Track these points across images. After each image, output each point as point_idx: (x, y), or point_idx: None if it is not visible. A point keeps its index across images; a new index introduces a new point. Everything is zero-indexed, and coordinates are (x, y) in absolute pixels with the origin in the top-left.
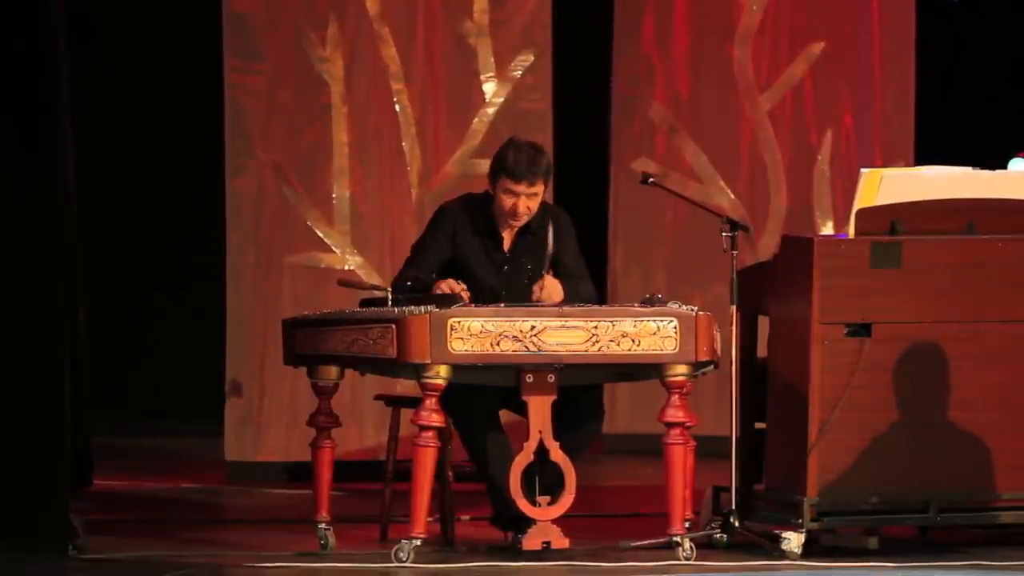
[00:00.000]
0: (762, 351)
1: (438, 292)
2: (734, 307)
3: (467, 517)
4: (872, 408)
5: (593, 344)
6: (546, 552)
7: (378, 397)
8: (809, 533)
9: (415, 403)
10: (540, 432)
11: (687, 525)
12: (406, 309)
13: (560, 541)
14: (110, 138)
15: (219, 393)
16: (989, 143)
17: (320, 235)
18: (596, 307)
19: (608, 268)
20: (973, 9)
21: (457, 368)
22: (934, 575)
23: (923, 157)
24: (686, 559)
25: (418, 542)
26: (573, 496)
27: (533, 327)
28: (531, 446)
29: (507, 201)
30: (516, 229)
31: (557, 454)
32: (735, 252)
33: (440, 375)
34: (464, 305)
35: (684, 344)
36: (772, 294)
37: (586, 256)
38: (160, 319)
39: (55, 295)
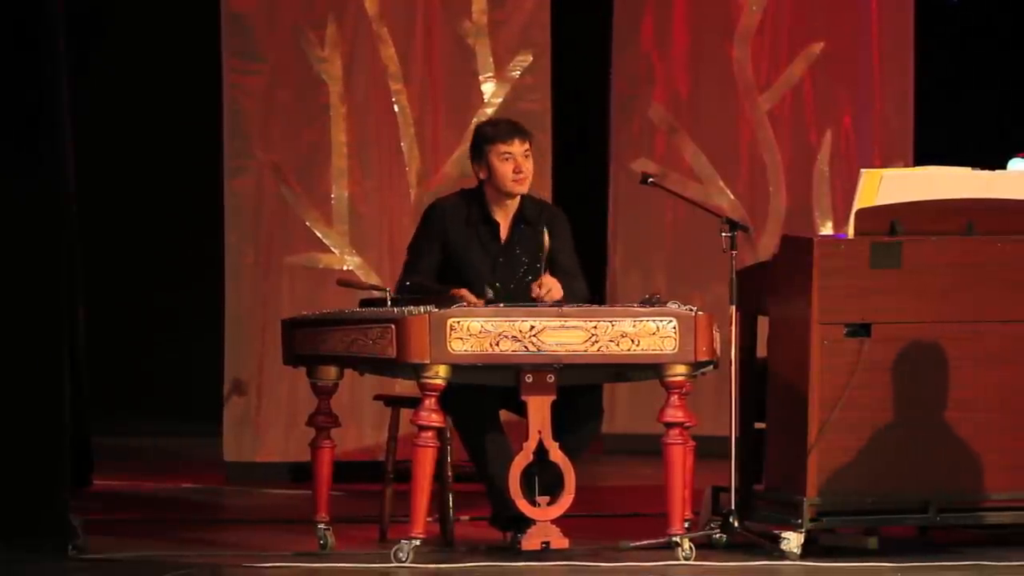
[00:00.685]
0: (762, 351)
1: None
2: (734, 307)
3: (467, 517)
4: (872, 408)
5: (592, 344)
6: (545, 552)
7: (377, 397)
8: (809, 533)
9: (414, 403)
10: (539, 432)
11: (686, 525)
12: (405, 309)
13: (559, 541)
14: (110, 138)
15: (218, 393)
16: (989, 143)
17: (319, 235)
18: (595, 307)
19: (608, 268)
20: (973, 9)
21: (456, 368)
22: (934, 575)
23: (923, 157)
24: (685, 559)
25: (417, 542)
26: (572, 496)
27: (532, 327)
28: (530, 446)
29: (506, 166)
30: (512, 219)
31: (556, 454)
32: (735, 252)
33: (439, 375)
34: (463, 303)
35: (683, 344)
36: (772, 294)
37: (585, 256)
38: (159, 319)
39: (55, 295)
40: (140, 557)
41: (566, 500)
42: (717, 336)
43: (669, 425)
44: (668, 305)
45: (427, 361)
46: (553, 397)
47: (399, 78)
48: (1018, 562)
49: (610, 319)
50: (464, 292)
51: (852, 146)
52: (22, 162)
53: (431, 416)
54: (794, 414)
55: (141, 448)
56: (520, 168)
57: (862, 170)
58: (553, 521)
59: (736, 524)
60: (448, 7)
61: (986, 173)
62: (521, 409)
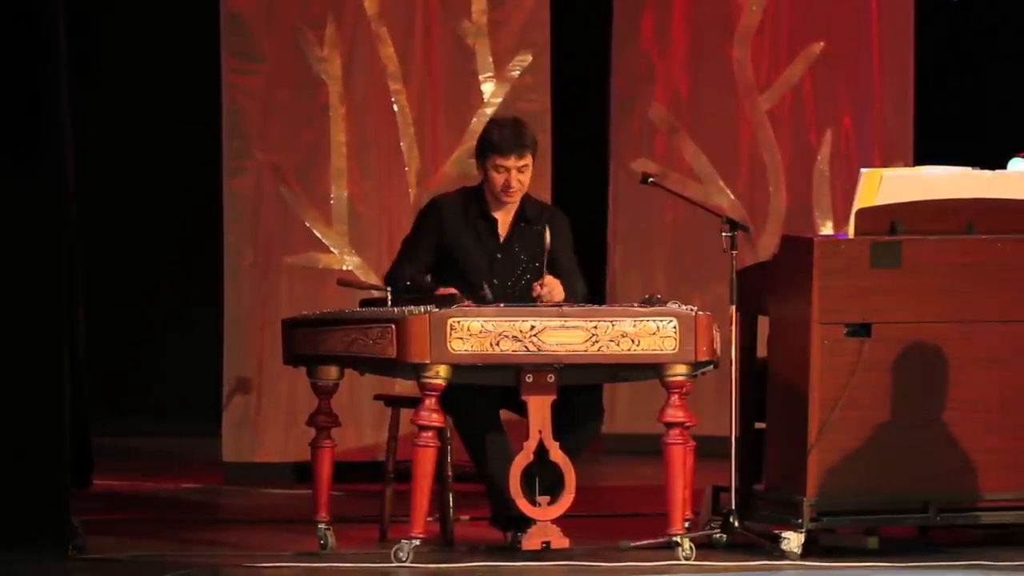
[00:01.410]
0: (762, 351)
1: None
2: (734, 307)
3: (467, 517)
4: (872, 408)
5: (593, 344)
6: (546, 552)
7: (377, 397)
8: (809, 533)
9: (414, 403)
10: (540, 432)
11: (687, 525)
12: (406, 309)
13: (560, 541)
14: (109, 138)
15: (218, 393)
16: (989, 143)
17: (318, 235)
18: (596, 307)
19: (608, 268)
20: (973, 9)
21: (457, 368)
22: (934, 575)
23: (923, 157)
24: (685, 559)
25: (417, 542)
26: (573, 496)
27: (533, 327)
28: (531, 446)
29: (499, 178)
30: (513, 217)
31: (557, 454)
32: (735, 252)
33: (440, 375)
34: (462, 302)
35: (684, 344)
36: (772, 294)
37: (585, 256)
38: (159, 319)
39: (55, 295)
40: (140, 557)
41: (566, 500)
42: (717, 336)
43: (669, 425)
44: (668, 305)
45: (427, 361)
46: (553, 397)
47: (398, 78)
48: (1018, 562)
49: (610, 319)
50: (453, 292)
51: (852, 146)
52: (22, 162)
53: (431, 416)
54: (794, 414)
55: (141, 448)
56: (510, 183)
57: (862, 170)
58: (553, 521)
59: (736, 524)
60: (448, 7)
61: (986, 173)
62: (521, 409)
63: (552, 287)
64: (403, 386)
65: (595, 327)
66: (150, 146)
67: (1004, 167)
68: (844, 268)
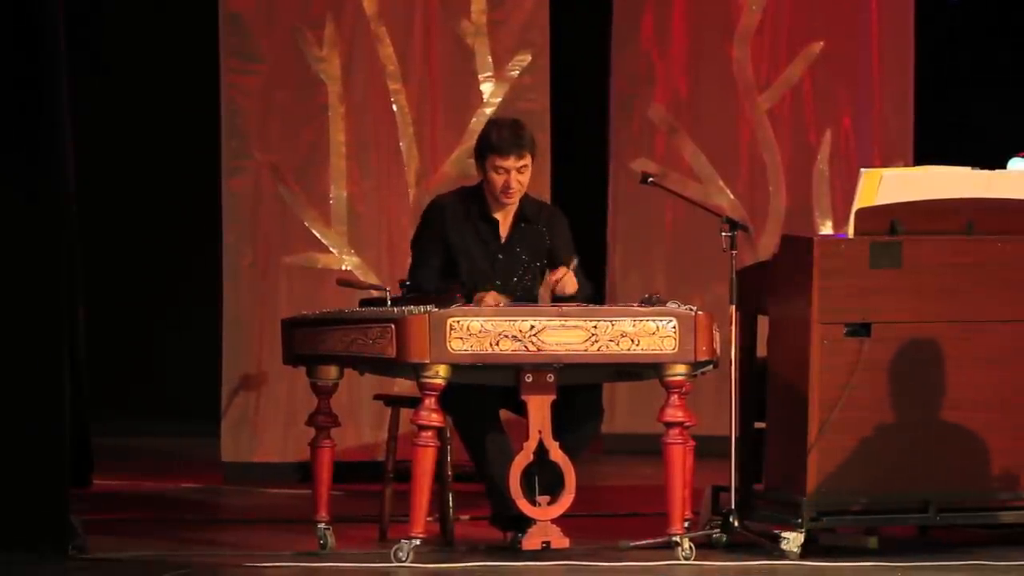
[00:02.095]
0: (762, 351)
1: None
2: (734, 307)
3: (467, 517)
4: (872, 408)
5: (592, 344)
6: (546, 552)
7: (377, 397)
8: (808, 533)
9: (414, 403)
10: (539, 432)
11: (686, 525)
12: (405, 309)
13: (560, 541)
14: (109, 138)
15: (217, 393)
16: (989, 143)
17: (317, 235)
18: (595, 307)
19: (608, 268)
20: (973, 9)
21: (456, 368)
22: (934, 575)
23: (923, 157)
24: (685, 559)
25: (417, 542)
26: (573, 496)
27: (532, 327)
28: (531, 446)
29: (498, 179)
30: (513, 217)
31: (557, 454)
32: (735, 252)
33: (439, 375)
34: (461, 302)
35: (683, 344)
36: (772, 294)
37: (585, 256)
38: (158, 319)
39: (55, 295)
40: (140, 557)
41: (566, 500)
42: (717, 336)
43: (669, 425)
44: (668, 305)
45: (427, 361)
46: (553, 397)
47: (398, 78)
48: (1018, 562)
49: (610, 319)
50: (492, 296)
51: (852, 146)
52: (22, 162)
53: (431, 416)
54: (794, 414)
55: (141, 448)
56: (510, 184)
57: (862, 170)
58: (553, 521)
59: (736, 524)
60: (447, 7)
61: (986, 173)
62: (521, 409)
63: (565, 279)
64: (403, 386)
65: (595, 327)
66: (149, 146)
67: (1004, 167)
68: (844, 268)
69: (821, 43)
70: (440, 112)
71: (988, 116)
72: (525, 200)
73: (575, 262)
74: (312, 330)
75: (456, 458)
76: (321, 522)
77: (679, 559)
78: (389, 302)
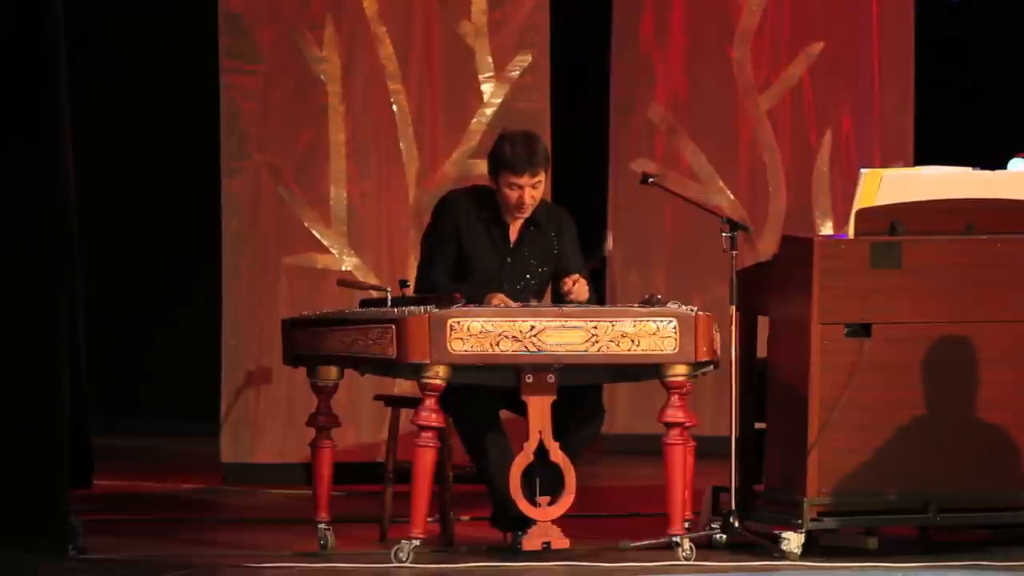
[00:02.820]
0: (762, 351)
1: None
2: (734, 307)
3: (467, 517)
4: (872, 408)
5: (593, 344)
6: (546, 552)
7: (377, 397)
8: (809, 533)
9: (414, 403)
10: (540, 432)
11: (687, 525)
12: (405, 309)
13: (560, 541)
14: (108, 139)
15: (217, 394)
16: (989, 143)
17: (317, 236)
18: (596, 307)
19: (608, 268)
20: (973, 9)
21: (457, 368)
22: (934, 575)
23: (923, 157)
24: (686, 559)
25: (417, 542)
26: (573, 496)
27: (533, 327)
28: (531, 446)
29: (512, 195)
30: (523, 221)
31: (557, 454)
32: (735, 252)
33: (440, 375)
34: (462, 303)
35: (684, 344)
36: (772, 294)
37: (585, 256)
38: (158, 320)
39: (55, 295)
40: (140, 557)
41: (567, 500)
42: (717, 336)
43: (669, 425)
44: (668, 305)
45: (427, 361)
46: (553, 397)
47: (397, 78)
48: (1018, 562)
49: (610, 319)
50: (501, 298)
51: (852, 146)
52: (22, 163)
53: (431, 416)
54: (794, 414)
55: (141, 448)
56: (523, 200)
57: (862, 170)
58: (554, 521)
59: (736, 524)
60: (447, 7)
61: (986, 173)
62: (522, 409)
63: (577, 287)
64: (403, 386)
65: (595, 327)
66: (149, 146)
67: (1004, 167)
68: (844, 268)
69: (821, 43)
70: (440, 112)
71: (988, 116)
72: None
73: (587, 270)
74: (312, 330)
75: (456, 458)
76: (321, 522)
77: (679, 559)
78: (389, 302)
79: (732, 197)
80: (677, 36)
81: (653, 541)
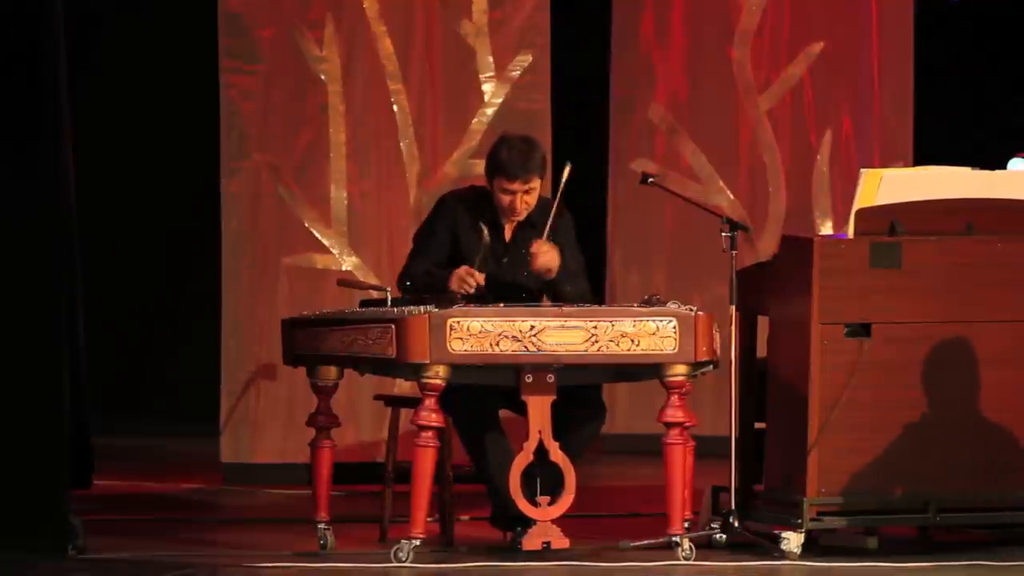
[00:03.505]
0: (762, 351)
1: (453, 282)
2: (734, 307)
3: (467, 517)
4: (872, 408)
5: (592, 344)
6: (546, 552)
7: (377, 397)
8: (808, 533)
9: (414, 403)
10: (540, 432)
11: (686, 525)
12: (405, 309)
13: (560, 541)
14: (108, 139)
15: (216, 394)
16: (989, 143)
17: (317, 236)
18: (596, 307)
19: (608, 268)
20: (973, 9)
21: (456, 368)
22: (934, 575)
23: (923, 157)
24: (685, 559)
25: (417, 542)
26: (573, 496)
27: (532, 327)
28: (531, 446)
29: (504, 199)
30: (518, 220)
31: (557, 454)
32: (735, 252)
33: (439, 375)
34: (463, 303)
35: (683, 344)
36: (772, 294)
37: (585, 256)
38: (158, 320)
39: (55, 295)
40: (140, 557)
41: (566, 500)
42: (717, 336)
43: (669, 425)
44: (668, 305)
45: (427, 361)
46: (553, 397)
47: (398, 78)
48: (1018, 562)
49: (610, 319)
50: (461, 273)
51: (852, 146)
52: (21, 163)
53: (431, 416)
54: (794, 414)
55: (141, 448)
56: (515, 205)
57: (862, 170)
58: (553, 521)
59: (736, 524)
60: (448, 7)
61: (986, 173)
62: (522, 409)
63: (547, 251)
64: (403, 386)
65: (595, 327)
66: (148, 146)
67: (1004, 167)
68: (844, 268)
69: (821, 43)
70: (441, 112)
71: (988, 115)
72: None
73: (548, 232)
74: (312, 330)
75: (456, 458)
76: (321, 522)
77: (679, 559)
78: (389, 302)
79: (732, 197)
80: (677, 36)
81: (653, 541)
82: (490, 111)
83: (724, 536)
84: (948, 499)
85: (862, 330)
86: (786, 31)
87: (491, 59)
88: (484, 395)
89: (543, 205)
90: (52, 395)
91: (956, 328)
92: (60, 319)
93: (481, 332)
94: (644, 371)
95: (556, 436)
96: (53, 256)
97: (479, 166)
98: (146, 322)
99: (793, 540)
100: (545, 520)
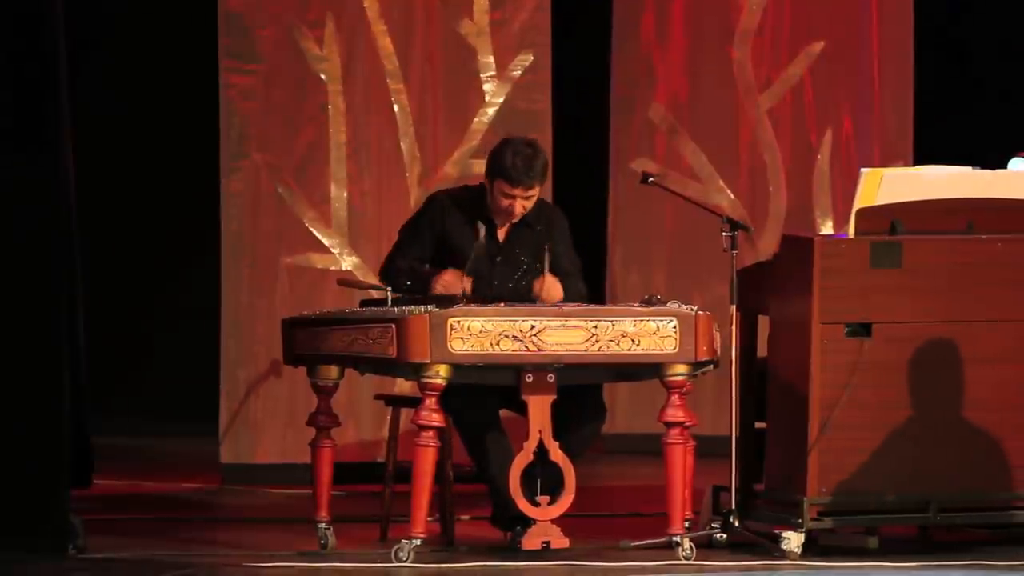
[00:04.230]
0: (762, 351)
1: (437, 286)
2: (734, 307)
3: (467, 517)
4: (872, 408)
5: (593, 344)
6: (546, 552)
7: (378, 397)
8: (809, 533)
9: (415, 403)
10: (540, 432)
11: (687, 525)
12: (406, 309)
13: (560, 541)
14: (108, 139)
15: (216, 394)
16: (989, 143)
17: (317, 235)
18: (596, 307)
19: (608, 268)
20: (973, 8)
21: (457, 368)
22: (934, 575)
23: (923, 157)
24: (686, 559)
25: (418, 542)
26: (573, 496)
27: (533, 327)
28: (531, 446)
29: (504, 202)
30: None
31: (557, 454)
32: (735, 252)
33: (440, 375)
34: (462, 302)
35: (684, 344)
36: (772, 294)
37: (585, 256)
38: (158, 320)
39: (55, 295)
40: (140, 557)
41: (566, 500)
42: (717, 336)
43: (669, 425)
44: (668, 305)
45: (427, 361)
46: (553, 397)
47: (398, 78)
48: (1018, 562)
49: (610, 319)
50: (447, 278)
51: (852, 146)
52: (21, 162)
53: (432, 416)
54: (794, 414)
55: (141, 448)
56: (514, 209)
57: (862, 170)
58: (554, 521)
59: (736, 524)
60: (448, 6)
61: (986, 173)
62: (522, 409)
63: (551, 286)
64: (403, 386)
65: (595, 327)
66: (148, 146)
67: (1004, 167)
68: (844, 268)
69: (821, 43)
70: (441, 112)
71: (988, 116)
72: None
73: (548, 258)
74: (312, 330)
75: (456, 458)
76: (321, 522)
77: (679, 559)
78: (390, 302)
79: (732, 197)
80: (677, 36)
81: (653, 541)
82: (491, 111)
83: (724, 536)
84: (948, 499)
85: (862, 330)
86: (786, 31)
87: (492, 59)
88: (484, 395)
89: (537, 206)
90: (52, 395)
91: (957, 328)
92: (60, 319)
93: (481, 332)
94: (644, 371)
95: (556, 436)
96: (53, 256)
97: (480, 166)
98: (146, 322)
99: (793, 540)
100: (545, 520)
